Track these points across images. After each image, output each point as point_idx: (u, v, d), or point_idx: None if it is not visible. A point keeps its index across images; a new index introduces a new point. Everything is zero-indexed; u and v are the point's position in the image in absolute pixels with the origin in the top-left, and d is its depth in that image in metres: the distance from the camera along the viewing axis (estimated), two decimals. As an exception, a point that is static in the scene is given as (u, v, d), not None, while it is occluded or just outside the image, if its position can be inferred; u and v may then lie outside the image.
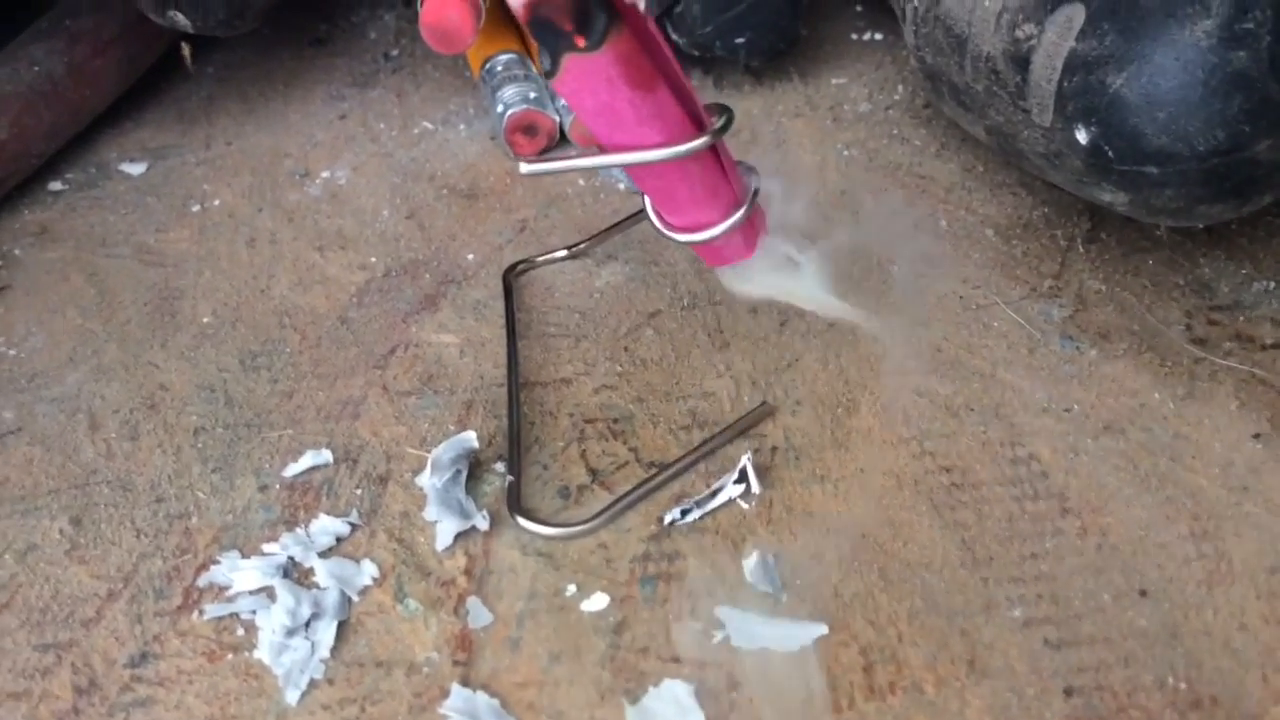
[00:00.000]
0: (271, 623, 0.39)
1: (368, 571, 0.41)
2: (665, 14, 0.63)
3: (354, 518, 0.42)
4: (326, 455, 0.45)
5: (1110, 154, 0.44)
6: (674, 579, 0.40)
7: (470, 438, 0.43)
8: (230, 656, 0.38)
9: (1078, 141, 0.45)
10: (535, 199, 0.59)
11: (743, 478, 0.42)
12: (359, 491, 0.44)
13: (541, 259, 0.55)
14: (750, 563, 0.40)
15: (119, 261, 0.56)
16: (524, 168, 0.41)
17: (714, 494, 0.42)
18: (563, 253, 0.55)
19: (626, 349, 0.50)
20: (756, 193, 0.43)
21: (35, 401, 0.48)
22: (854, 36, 0.72)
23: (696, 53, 0.64)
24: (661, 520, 0.42)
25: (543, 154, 0.62)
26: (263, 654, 0.38)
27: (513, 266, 0.54)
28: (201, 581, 0.40)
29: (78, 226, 0.59)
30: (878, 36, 0.72)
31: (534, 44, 0.37)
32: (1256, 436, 0.44)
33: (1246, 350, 0.48)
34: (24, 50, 0.62)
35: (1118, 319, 0.50)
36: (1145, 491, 0.42)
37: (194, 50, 0.71)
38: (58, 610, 0.40)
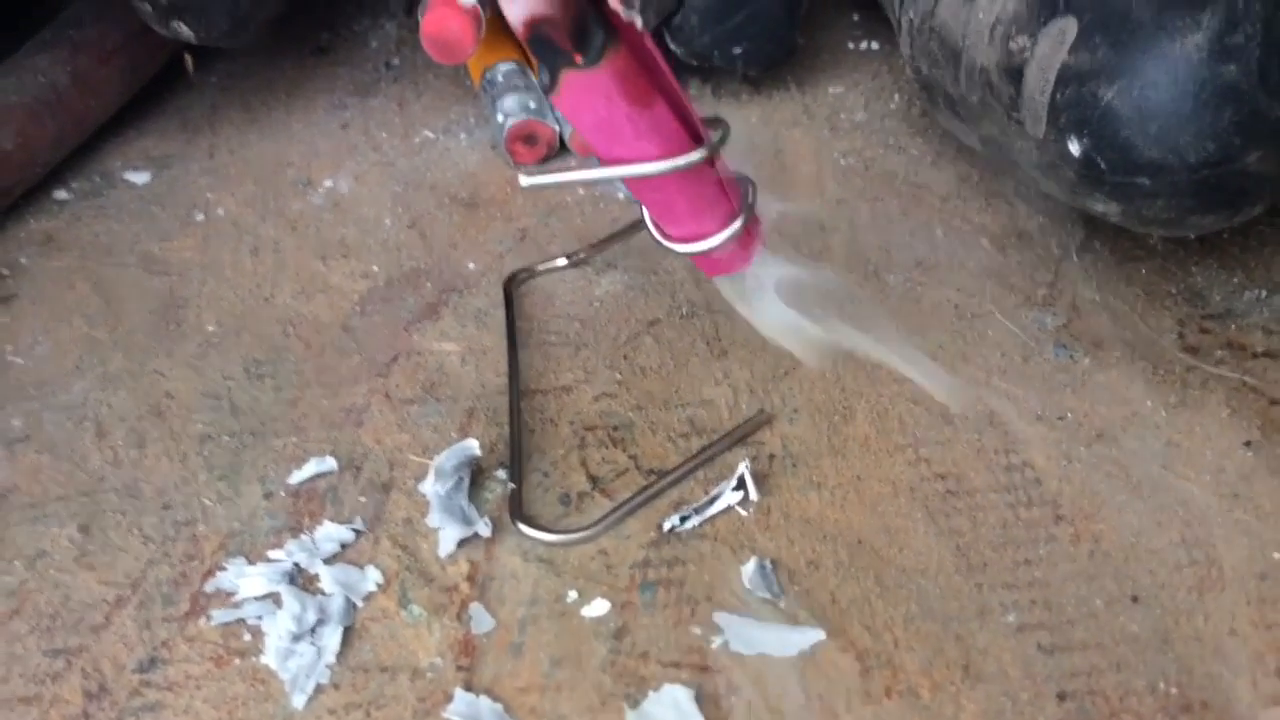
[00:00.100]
0: (278, 628, 0.39)
1: (372, 577, 0.41)
2: (663, 24, 0.63)
3: (358, 524, 0.43)
4: (331, 463, 0.45)
5: (1102, 165, 0.44)
6: (673, 585, 0.41)
7: (472, 445, 0.44)
8: (237, 661, 0.39)
9: (1070, 153, 0.45)
10: (536, 208, 0.60)
11: (741, 485, 0.43)
12: (363, 498, 0.44)
13: (542, 267, 0.55)
14: (748, 569, 0.41)
15: (124, 270, 0.57)
16: (523, 181, 0.42)
17: (713, 501, 0.43)
18: (563, 261, 0.55)
19: (626, 357, 0.50)
20: (754, 204, 0.44)
21: (43, 409, 0.49)
22: (851, 46, 0.72)
23: (695, 63, 0.65)
24: (661, 527, 0.43)
25: (543, 163, 0.62)
26: (269, 659, 0.39)
27: (513, 275, 0.55)
28: (208, 588, 0.41)
29: (83, 235, 0.59)
30: (874, 46, 0.72)
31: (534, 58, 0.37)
32: (1247, 444, 0.45)
33: (1238, 358, 0.48)
34: (29, 60, 0.62)
35: (1111, 327, 0.50)
36: (1137, 498, 0.43)
37: (197, 60, 0.72)
38: (67, 616, 0.40)
